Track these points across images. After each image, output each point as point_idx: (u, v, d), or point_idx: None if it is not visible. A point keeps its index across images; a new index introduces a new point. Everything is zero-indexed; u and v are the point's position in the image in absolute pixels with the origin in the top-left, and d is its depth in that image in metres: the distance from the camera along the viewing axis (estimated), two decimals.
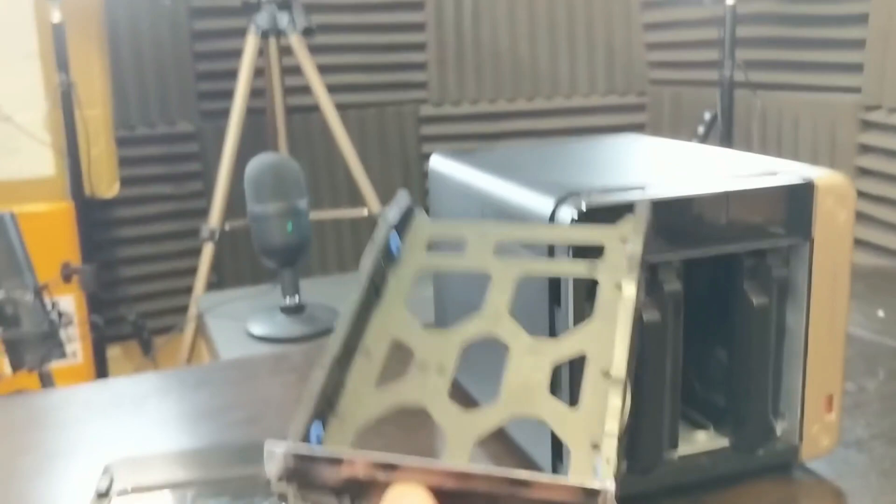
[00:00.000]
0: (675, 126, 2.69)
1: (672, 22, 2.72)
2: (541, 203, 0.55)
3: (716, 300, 0.60)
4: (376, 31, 2.73)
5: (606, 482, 0.29)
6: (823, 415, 0.59)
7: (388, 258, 0.41)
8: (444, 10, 2.76)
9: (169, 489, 0.61)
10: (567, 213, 0.52)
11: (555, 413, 0.35)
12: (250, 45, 2.01)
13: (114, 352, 2.28)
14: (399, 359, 0.38)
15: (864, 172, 2.21)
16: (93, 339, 1.87)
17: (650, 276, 0.55)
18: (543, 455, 0.58)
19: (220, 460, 0.64)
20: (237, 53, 2.15)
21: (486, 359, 0.40)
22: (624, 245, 0.40)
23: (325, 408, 0.34)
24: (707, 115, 1.99)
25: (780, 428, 0.60)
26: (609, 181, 0.55)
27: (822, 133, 2.28)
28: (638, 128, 2.92)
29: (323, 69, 2.67)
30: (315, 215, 2.24)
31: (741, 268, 0.58)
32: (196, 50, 2.59)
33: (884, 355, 0.91)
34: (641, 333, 0.55)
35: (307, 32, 2.01)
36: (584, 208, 0.51)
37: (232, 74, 2.22)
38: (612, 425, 0.33)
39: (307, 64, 2.05)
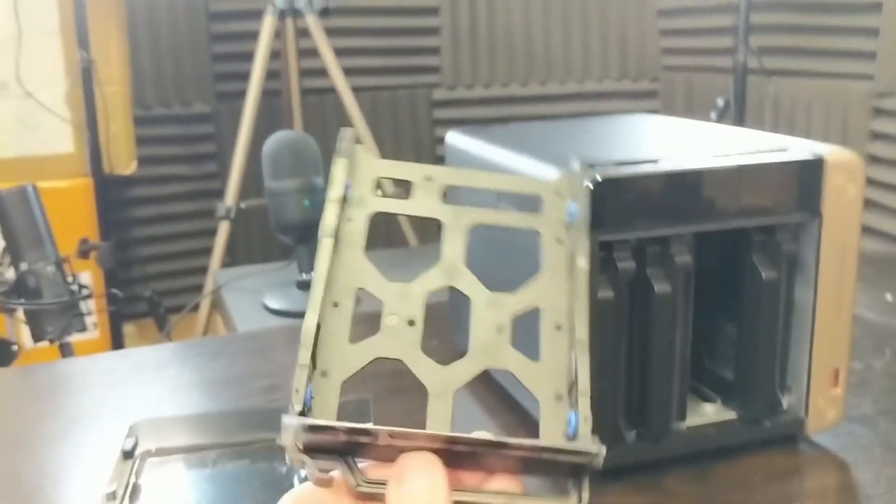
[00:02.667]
0: (688, 112, 2.70)
1: (686, 8, 2.72)
2: (554, 175, 0.56)
3: (725, 275, 0.61)
4: (391, 15, 2.74)
5: (601, 448, 0.33)
6: (829, 389, 0.61)
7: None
8: None
9: (192, 451, 0.63)
10: (595, 181, 0.53)
11: (520, 365, 0.36)
12: (267, 25, 2.02)
13: (129, 329, 2.30)
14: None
15: (875, 160, 2.22)
16: (110, 315, 1.89)
17: (661, 250, 0.56)
18: (533, 404, 0.59)
19: (241, 425, 0.66)
20: (253, 35, 2.17)
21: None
22: (562, 201, 0.40)
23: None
24: (720, 101, 2.00)
25: (786, 401, 0.62)
26: (622, 155, 0.57)
27: (834, 120, 2.29)
28: (650, 113, 2.92)
29: (337, 52, 2.69)
30: None
31: (751, 242, 0.59)
32: (213, 31, 2.61)
33: (891, 336, 0.92)
34: (651, 305, 0.56)
35: (324, 13, 2.02)
36: (599, 179, 0.53)
37: (248, 56, 2.23)
38: (585, 385, 0.34)
39: (323, 45, 2.06)
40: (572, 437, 0.34)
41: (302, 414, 0.33)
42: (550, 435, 0.35)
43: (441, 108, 2.86)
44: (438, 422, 0.35)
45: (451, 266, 0.38)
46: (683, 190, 0.55)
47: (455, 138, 0.78)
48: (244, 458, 0.63)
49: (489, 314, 0.37)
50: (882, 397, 0.75)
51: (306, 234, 1.16)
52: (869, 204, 2.24)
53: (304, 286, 1.16)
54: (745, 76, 1.97)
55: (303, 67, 2.31)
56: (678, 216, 0.55)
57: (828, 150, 0.58)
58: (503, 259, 0.61)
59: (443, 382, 0.36)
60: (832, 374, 0.60)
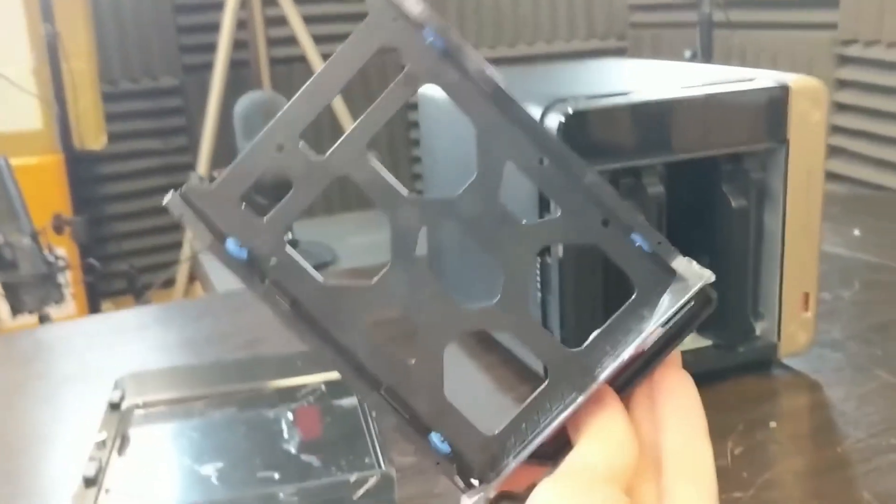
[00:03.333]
0: None
1: None
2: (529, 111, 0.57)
3: (697, 206, 0.62)
4: None
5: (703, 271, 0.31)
6: (800, 313, 0.63)
7: None
8: None
9: (178, 403, 0.64)
10: (555, 118, 0.55)
11: None
12: None
13: (107, 306, 2.30)
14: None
15: (843, 107, 2.24)
16: (87, 288, 1.89)
17: (634, 181, 0.57)
18: (536, 362, 0.61)
19: (225, 376, 0.67)
20: (219, 5, 2.15)
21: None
22: None
23: None
24: (687, 54, 2.01)
25: (759, 327, 0.64)
26: (594, 90, 0.58)
27: (800, 70, 2.30)
28: None
29: (310, 19, 2.66)
30: None
31: (720, 172, 0.60)
32: (177, 2, 2.58)
33: (859, 268, 0.95)
34: None
35: None
36: (571, 112, 0.54)
37: (214, 27, 2.21)
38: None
39: (291, 12, 2.05)
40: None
41: (468, 482, 0.31)
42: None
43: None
44: None
45: None
46: (652, 121, 0.56)
47: (427, 87, 0.78)
48: (230, 406, 0.64)
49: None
50: (851, 323, 0.77)
51: (282, 193, 1.15)
52: (836, 150, 2.26)
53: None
54: (710, 29, 1.98)
55: (272, 36, 2.30)
56: (648, 147, 0.57)
57: (792, 79, 0.59)
58: None
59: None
60: (802, 298, 0.62)
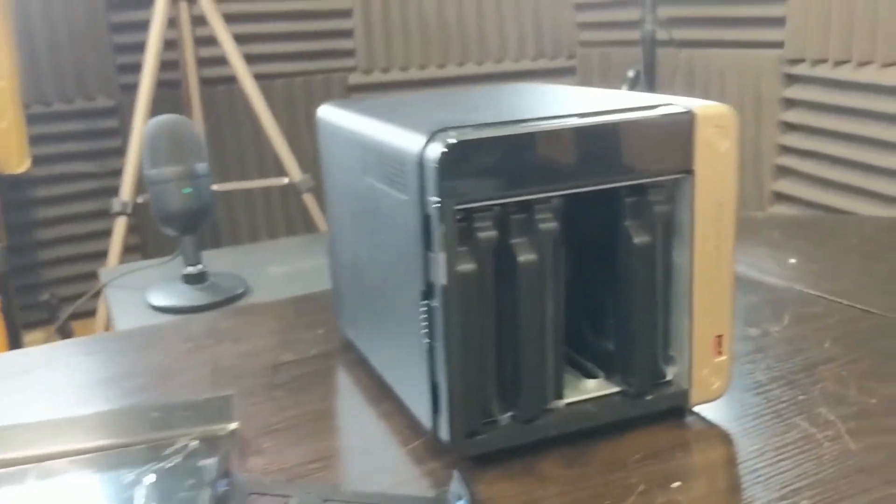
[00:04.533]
0: (605, 86, 2.68)
1: None
2: (412, 140, 0.52)
3: (601, 241, 0.57)
4: None
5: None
6: (713, 357, 0.58)
7: None
8: None
9: (32, 462, 0.58)
10: (436, 149, 0.49)
11: None
12: (159, 10, 1.93)
13: (32, 338, 2.21)
14: None
15: (790, 127, 2.22)
16: (5, 320, 1.80)
17: (525, 217, 0.52)
18: (424, 412, 0.55)
19: (93, 428, 0.60)
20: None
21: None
22: None
23: None
24: (630, 73, 1.98)
25: (670, 372, 0.59)
26: (487, 117, 0.53)
27: (748, 89, 2.28)
28: None
29: (247, 38, 2.61)
30: (237, 185, 2.18)
31: (623, 205, 0.55)
32: (113, 21, 2.51)
33: (791, 300, 0.90)
34: (516, 276, 0.52)
35: None
36: (454, 141, 0.49)
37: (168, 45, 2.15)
38: None
39: (221, 31, 1.98)
40: None
41: None
42: None
43: (357, 92, 2.80)
44: None
45: None
46: (544, 151, 0.51)
47: (327, 112, 0.73)
48: (87, 466, 0.57)
49: None
50: (777, 363, 0.73)
51: (190, 223, 1.09)
52: (784, 171, 2.24)
53: (192, 279, 1.09)
54: (653, 47, 1.95)
55: (209, 56, 2.23)
56: (540, 179, 0.51)
57: (698, 105, 0.55)
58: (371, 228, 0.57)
59: None
60: (715, 341, 0.57)
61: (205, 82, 2.31)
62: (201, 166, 1.11)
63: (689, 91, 2.41)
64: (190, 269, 1.10)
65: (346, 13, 2.73)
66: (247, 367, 0.78)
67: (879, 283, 0.95)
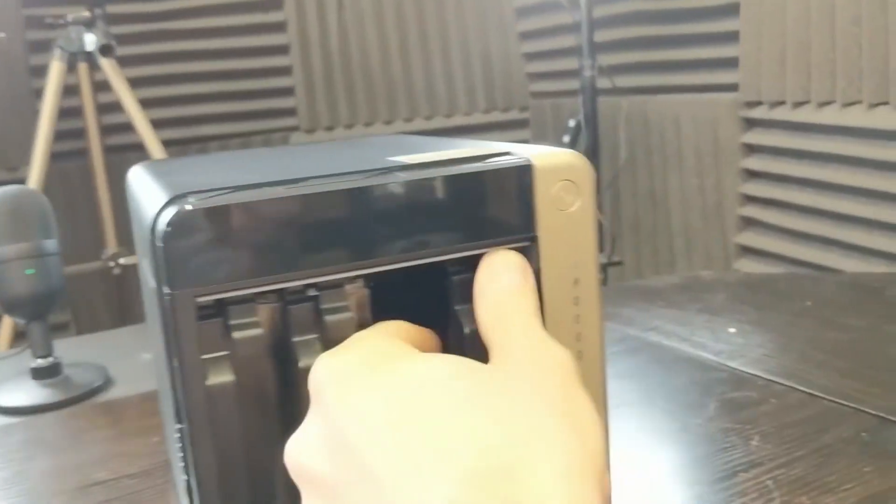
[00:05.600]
0: (560, 139, 2.55)
1: (547, 29, 2.59)
2: (154, 204, 0.37)
3: (435, 327, 0.42)
4: (237, 57, 2.54)
5: None
6: None
7: None
8: (308, 30, 2.59)
9: None
10: (168, 214, 0.35)
11: None
12: (55, 72, 1.79)
13: None
14: None
15: (752, 174, 2.09)
16: None
17: (311, 305, 0.38)
18: None
19: None
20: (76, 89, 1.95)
21: None
22: None
23: None
24: (571, 123, 1.85)
25: None
26: (258, 177, 0.38)
27: (705, 135, 2.16)
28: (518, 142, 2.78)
29: (181, 100, 2.49)
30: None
31: (451, 284, 0.40)
32: (36, 87, 2.37)
33: (721, 382, 0.75)
34: (298, 385, 0.37)
35: (106, 51, 1.79)
36: (188, 209, 0.34)
37: (76, 111, 2.01)
38: None
39: (123, 93, 1.82)
40: None
41: None
42: None
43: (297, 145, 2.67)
44: None
45: None
46: (321, 218, 0.36)
47: (134, 175, 0.59)
48: None
49: None
50: (689, 471, 0.57)
51: (36, 309, 0.94)
52: (747, 222, 2.10)
53: (41, 374, 0.94)
54: (594, 95, 1.83)
55: (106, 124, 2.09)
56: (320, 257, 0.37)
57: (540, 153, 0.40)
58: None
59: None
60: None
61: (114, 150, 2.17)
62: (49, 244, 0.96)
63: (648, 141, 2.28)
64: (39, 362, 0.95)
65: (285, 70, 2.61)
66: (46, 490, 0.64)
67: (829, 356, 0.80)
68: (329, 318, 0.38)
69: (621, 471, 0.60)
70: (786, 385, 0.73)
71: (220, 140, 2.55)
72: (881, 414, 0.66)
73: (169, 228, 0.35)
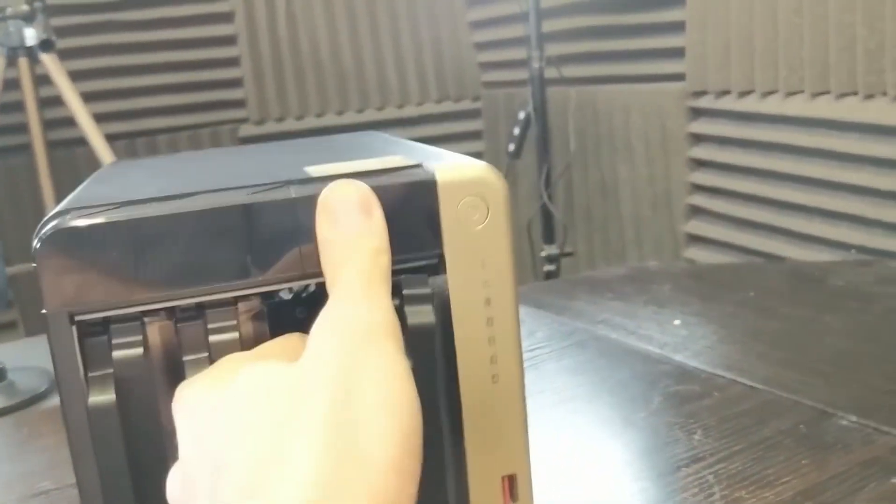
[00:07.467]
0: (511, 129, 2.56)
1: (498, 18, 2.58)
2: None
3: None
4: (183, 48, 2.51)
5: None
6: None
7: None
8: (256, 19, 2.56)
9: None
10: (44, 231, 0.35)
11: None
12: None
13: None
14: None
15: (700, 164, 2.11)
16: None
17: (200, 322, 0.37)
18: None
19: None
20: (14, 83, 1.91)
21: None
22: None
23: None
24: (521, 114, 1.85)
25: None
26: (151, 192, 0.37)
27: (653, 125, 2.18)
28: (474, 135, 2.78)
29: (128, 92, 2.45)
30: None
31: None
32: None
33: (665, 376, 0.76)
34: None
35: (46, 46, 1.76)
36: (52, 231, 0.34)
37: (15, 106, 1.97)
38: None
39: (65, 88, 1.78)
40: None
41: None
42: None
43: (250, 144, 2.64)
44: None
45: None
46: (197, 236, 0.36)
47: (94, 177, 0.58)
48: None
49: None
50: (631, 466, 0.58)
51: None
52: (695, 210, 2.13)
53: None
54: (542, 86, 1.83)
55: (48, 118, 2.05)
56: (195, 276, 0.36)
57: (446, 166, 0.39)
58: None
59: None
60: (503, 484, 0.41)
61: (57, 145, 2.13)
62: None
63: (597, 131, 2.29)
64: None
65: (233, 61, 2.58)
66: None
67: (769, 347, 0.82)
68: (213, 338, 0.37)
69: (569, 465, 0.61)
70: (727, 378, 0.75)
71: (168, 133, 2.51)
72: (819, 406, 0.67)
73: (39, 245, 0.34)
